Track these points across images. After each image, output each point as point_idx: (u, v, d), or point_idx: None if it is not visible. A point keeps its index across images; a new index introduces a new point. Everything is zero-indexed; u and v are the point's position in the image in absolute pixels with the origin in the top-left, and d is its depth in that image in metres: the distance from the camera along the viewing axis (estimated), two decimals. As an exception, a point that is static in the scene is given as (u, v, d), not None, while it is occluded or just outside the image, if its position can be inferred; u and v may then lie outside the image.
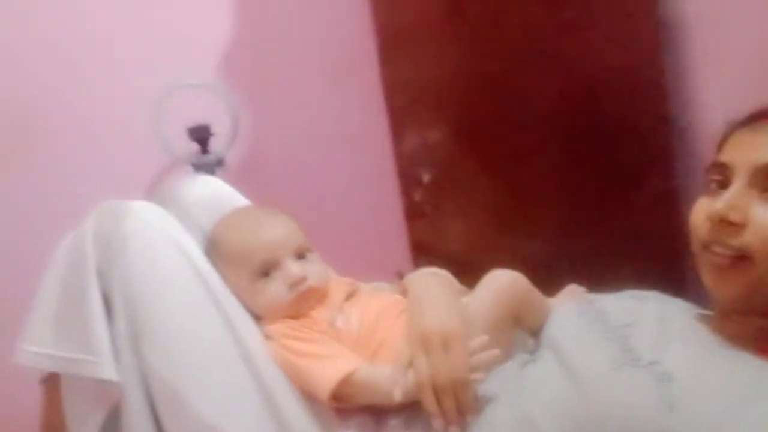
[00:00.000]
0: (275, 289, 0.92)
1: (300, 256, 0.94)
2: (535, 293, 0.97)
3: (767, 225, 0.76)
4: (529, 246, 1.42)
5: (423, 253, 1.54)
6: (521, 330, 0.98)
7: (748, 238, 0.77)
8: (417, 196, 1.60)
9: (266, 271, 0.92)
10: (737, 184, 0.79)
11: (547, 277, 1.01)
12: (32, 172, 1.68)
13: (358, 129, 1.80)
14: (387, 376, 0.83)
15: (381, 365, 0.87)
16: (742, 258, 0.78)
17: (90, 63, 1.69)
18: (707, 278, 0.82)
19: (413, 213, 1.60)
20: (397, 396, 0.80)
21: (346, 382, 0.84)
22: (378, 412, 0.89)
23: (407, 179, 1.61)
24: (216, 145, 1.72)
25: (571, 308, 0.96)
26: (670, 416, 0.70)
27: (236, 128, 1.71)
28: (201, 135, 1.70)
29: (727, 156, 0.83)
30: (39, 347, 0.86)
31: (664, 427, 0.69)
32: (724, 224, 0.78)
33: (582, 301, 0.99)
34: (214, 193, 1.05)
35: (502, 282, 0.95)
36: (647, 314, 0.90)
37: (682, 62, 1.44)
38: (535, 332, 0.96)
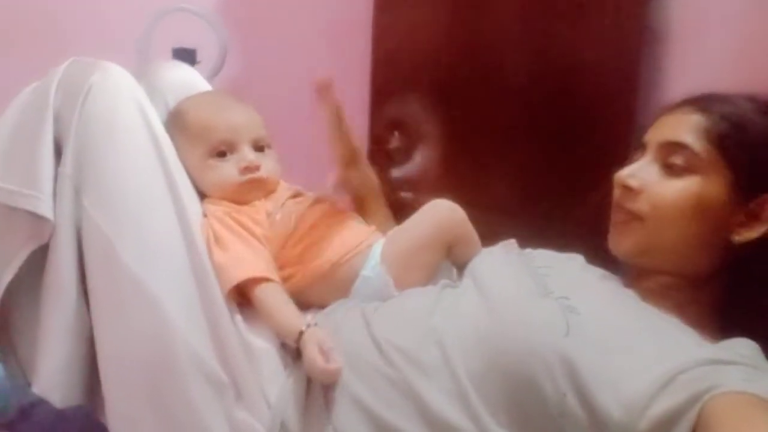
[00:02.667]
0: (227, 170, 0.94)
1: (258, 148, 0.97)
2: (470, 227, 1.01)
3: (659, 193, 0.86)
4: (484, 219, 1.45)
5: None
6: (450, 262, 1.01)
7: (641, 203, 0.87)
8: (383, 158, 1.63)
9: (222, 151, 0.94)
10: (646, 158, 0.90)
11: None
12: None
13: (342, 86, 1.83)
14: (282, 321, 0.86)
15: (288, 303, 0.88)
16: (634, 218, 0.88)
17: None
18: (609, 235, 0.93)
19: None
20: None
21: (246, 287, 0.87)
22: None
23: (377, 142, 1.63)
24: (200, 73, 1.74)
25: (499, 248, 1.00)
26: (564, 340, 0.74)
27: (223, 60, 1.73)
28: (186, 59, 1.70)
29: (647, 135, 0.93)
30: None
31: (557, 348, 0.73)
32: (626, 189, 0.89)
33: (512, 247, 1.03)
34: (189, 80, 1.07)
35: (442, 209, 0.98)
36: (569, 265, 0.96)
37: (659, 70, 1.49)
38: (462, 266, 1.00)
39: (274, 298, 0.87)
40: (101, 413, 0.86)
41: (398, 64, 1.54)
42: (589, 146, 1.47)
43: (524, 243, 1.11)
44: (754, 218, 0.83)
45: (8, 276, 0.85)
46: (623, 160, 1.45)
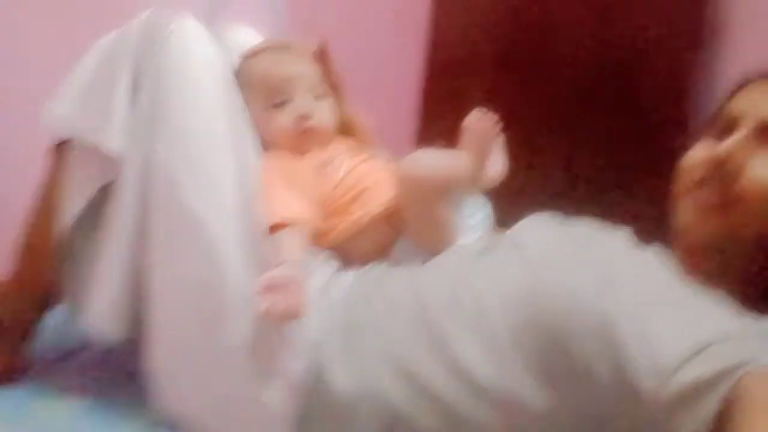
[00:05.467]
0: (282, 120, 0.97)
1: (314, 97, 0.99)
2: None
3: (761, 177, 0.79)
4: (537, 178, 1.42)
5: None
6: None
7: (740, 188, 0.79)
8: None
9: (279, 102, 0.97)
10: (741, 133, 0.81)
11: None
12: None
13: (397, 60, 1.82)
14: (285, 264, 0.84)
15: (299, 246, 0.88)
16: (731, 201, 0.80)
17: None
18: (689, 216, 0.84)
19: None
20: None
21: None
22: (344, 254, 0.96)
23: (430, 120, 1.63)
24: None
25: (543, 216, 0.98)
26: (602, 302, 0.75)
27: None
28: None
29: (736, 105, 0.85)
30: (61, 113, 0.90)
31: (595, 310, 0.74)
32: (721, 170, 0.80)
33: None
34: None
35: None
36: (612, 237, 0.92)
37: (717, 55, 1.45)
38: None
39: (288, 239, 0.88)
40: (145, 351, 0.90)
41: (456, 40, 1.54)
42: (646, 125, 1.45)
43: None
44: None
45: (77, 208, 0.89)
46: (679, 139, 1.44)
